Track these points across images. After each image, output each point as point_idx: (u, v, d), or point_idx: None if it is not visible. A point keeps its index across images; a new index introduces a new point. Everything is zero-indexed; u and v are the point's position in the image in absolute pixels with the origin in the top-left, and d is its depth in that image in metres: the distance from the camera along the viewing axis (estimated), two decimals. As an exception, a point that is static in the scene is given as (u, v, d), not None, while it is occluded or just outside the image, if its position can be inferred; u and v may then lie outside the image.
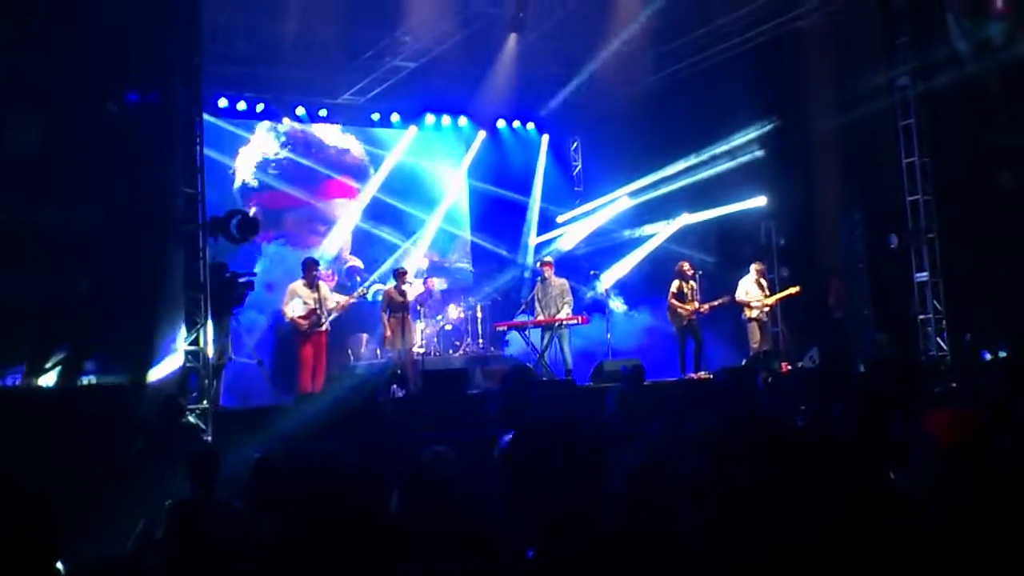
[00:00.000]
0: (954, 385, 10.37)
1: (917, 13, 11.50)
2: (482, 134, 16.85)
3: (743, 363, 12.26)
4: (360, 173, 16.09)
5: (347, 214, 15.69)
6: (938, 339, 11.47)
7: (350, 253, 15.69)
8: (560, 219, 17.06)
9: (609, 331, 13.76)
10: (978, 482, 2.78)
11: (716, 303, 13.10)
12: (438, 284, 15.19)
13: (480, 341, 14.74)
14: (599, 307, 14.12)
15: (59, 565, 2.59)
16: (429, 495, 3.51)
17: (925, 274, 11.62)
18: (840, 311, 13.07)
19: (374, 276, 15.17)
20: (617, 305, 14.40)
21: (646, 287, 15.28)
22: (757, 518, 2.17)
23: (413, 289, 13.11)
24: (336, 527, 3.43)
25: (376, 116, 15.86)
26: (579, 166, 17.69)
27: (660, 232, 15.66)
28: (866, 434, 3.27)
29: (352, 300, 12.41)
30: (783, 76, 13.67)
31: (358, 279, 14.83)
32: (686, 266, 13.11)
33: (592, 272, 14.18)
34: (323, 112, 15.17)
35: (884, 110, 11.95)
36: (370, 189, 15.88)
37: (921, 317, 11.67)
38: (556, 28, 13.64)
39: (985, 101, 11.01)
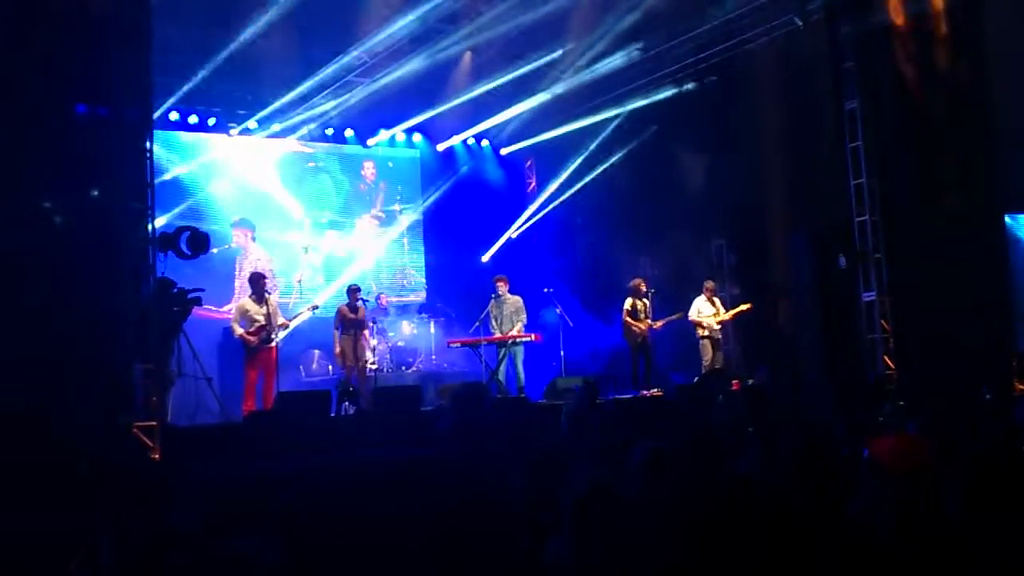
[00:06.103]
0: (901, 404, 10.52)
1: (863, 38, 11.73)
2: (436, 150, 16.91)
3: (695, 380, 12.33)
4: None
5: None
6: (886, 358, 11.63)
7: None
8: (513, 235, 17.11)
9: (562, 347, 13.77)
10: (921, 507, 2.83)
11: (670, 319, 13.22)
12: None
13: (433, 358, 14.68)
14: (553, 323, 14.10)
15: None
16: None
17: (873, 294, 11.80)
18: (789, 329, 13.22)
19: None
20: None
21: (597, 301, 15.35)
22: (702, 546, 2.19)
23: None
24: (301, 550, 3.39)
25: (330, 131, 15.82)
26: (533, 183, 17.74)
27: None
28: (811, 466, 3.29)
29: (303, 316, 12.35)
30: (733, 99, 13.85)
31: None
32: (640, 283, 13.20)
33: (545, 289, 14.14)
34: (276, 127, 15.07)
35: (832, 132, 12.16)
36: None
37: (869, 337, 11.84)
38: (510, 47, 13.66)
39: (930, 124, 11.24)
